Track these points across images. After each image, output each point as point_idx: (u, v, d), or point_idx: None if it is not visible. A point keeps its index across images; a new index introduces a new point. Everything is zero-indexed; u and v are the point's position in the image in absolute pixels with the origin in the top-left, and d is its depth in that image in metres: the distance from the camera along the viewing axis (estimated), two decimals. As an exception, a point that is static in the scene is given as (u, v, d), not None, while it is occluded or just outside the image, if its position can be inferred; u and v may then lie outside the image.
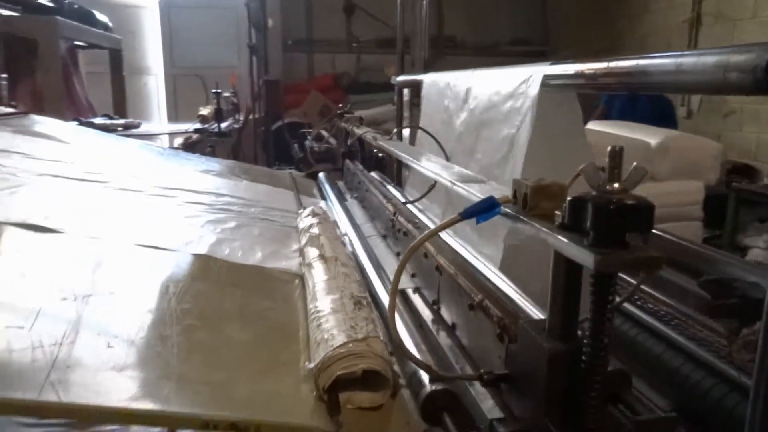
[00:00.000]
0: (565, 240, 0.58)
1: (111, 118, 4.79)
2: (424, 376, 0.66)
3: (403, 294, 1.06)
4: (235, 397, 0.63)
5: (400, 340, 0.68)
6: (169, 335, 0.76)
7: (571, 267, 0.62)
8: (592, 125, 4.19)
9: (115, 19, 7.98)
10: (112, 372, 0.66)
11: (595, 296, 0.58)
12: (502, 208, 0.71)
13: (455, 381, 0.70)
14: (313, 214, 1.42)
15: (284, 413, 0.59)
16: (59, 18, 3.78)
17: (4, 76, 3.40)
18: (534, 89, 1.10)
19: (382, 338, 0.71)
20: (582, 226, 0.58)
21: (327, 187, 2.34)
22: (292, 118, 7.46)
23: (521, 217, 0.68)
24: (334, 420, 0.58)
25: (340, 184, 2.64)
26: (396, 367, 0.69)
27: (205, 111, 4.79)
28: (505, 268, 1.00)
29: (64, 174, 1.26)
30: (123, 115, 5.08)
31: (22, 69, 3.67)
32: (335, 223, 1.53)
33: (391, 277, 1.01)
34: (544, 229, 0.63)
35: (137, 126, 4.56)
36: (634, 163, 0.58)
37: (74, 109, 4.68)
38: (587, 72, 0.92)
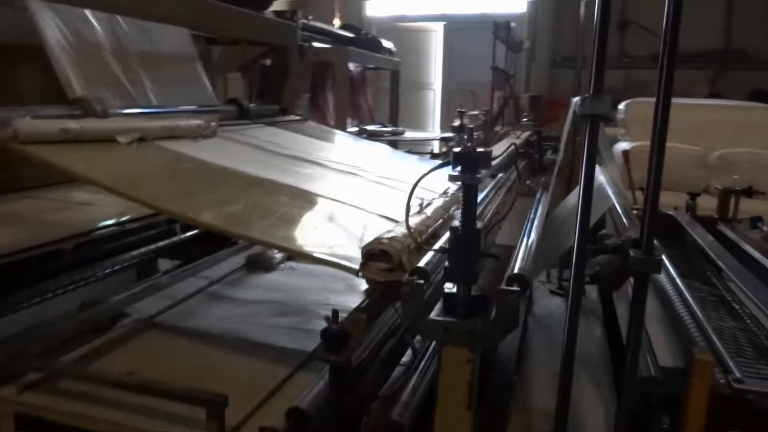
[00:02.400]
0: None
1: (384, 125, 5.86)
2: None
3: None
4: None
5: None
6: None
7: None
8: None
9: (405, 41, 9.36)
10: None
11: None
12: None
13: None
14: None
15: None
16: (350, 48, 4.90)
17: (307, 95, 4.65)
18: None
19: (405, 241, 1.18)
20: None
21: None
22: (548, 131, 7.82)
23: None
24: (360, 272, 1.12)
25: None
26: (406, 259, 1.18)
27: (456, 122, 5.53)
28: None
29: (311, 159, 2.01)
30: (395, 124, 6.13)
31: (318, 87, 4.89)
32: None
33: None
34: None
35: (401, 133, 5.51)
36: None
37: (358, 118, 5.88)
38: None
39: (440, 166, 1.02)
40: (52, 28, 1.84)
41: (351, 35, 5.54)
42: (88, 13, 1.92)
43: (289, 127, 2.50)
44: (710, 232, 2.24)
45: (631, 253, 0.92)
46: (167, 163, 1.55)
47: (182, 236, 2.40)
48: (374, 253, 1.13)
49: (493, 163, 1.20)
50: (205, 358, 1.60)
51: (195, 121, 1.87)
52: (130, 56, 2.08)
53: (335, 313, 1.11)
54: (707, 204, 2.62)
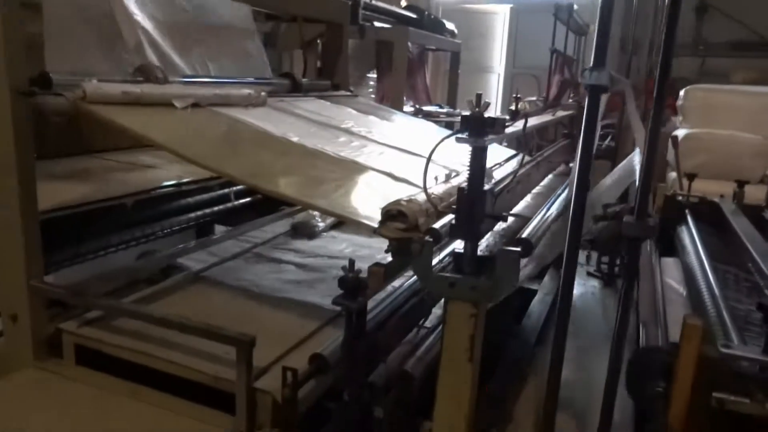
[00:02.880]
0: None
1: (440, 107, 5.89)
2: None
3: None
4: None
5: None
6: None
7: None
8: None
9: (471, 24, 9.28)
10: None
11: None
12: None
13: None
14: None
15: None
16: (410, 28, 4.94)
17: (372, 73, 4.74)
18: None
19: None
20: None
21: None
22: (605, 120, 7.62)
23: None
24: (377, 230, 1.20)
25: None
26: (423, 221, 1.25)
27: (512, 107, 5.49)
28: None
29: (351, 129, 2.10)
30: (453, 106, 6.14)
31: (382, 66, 4.97)
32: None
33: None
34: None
35: (457, 115, 5.53)
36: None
37: (415, 98, 5.93)
38: None
39: (453, 134, 1.09)
40: (123, 3, 2.01)
41: (413, 15, 5.57)
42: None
43: (337, 101, 2.61)
44: (754, 220, 2.19)
45: (625, 219, 0.96)
46: (216, 126, 1.68)
47: (236, 203, 2.57)
48: (393, 214, 1.21)
49: (508, 131, 1.23)
50: (244, 309, 1.73)
51: (246, 91, 1.99)
52: (191, 30, 2.23)
53: (351, 262, 1.21)
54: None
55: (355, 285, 1.19)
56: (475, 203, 1.06)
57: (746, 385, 0.95)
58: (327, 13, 2.78)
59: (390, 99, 4.95)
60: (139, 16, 1.95)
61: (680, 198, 2.40)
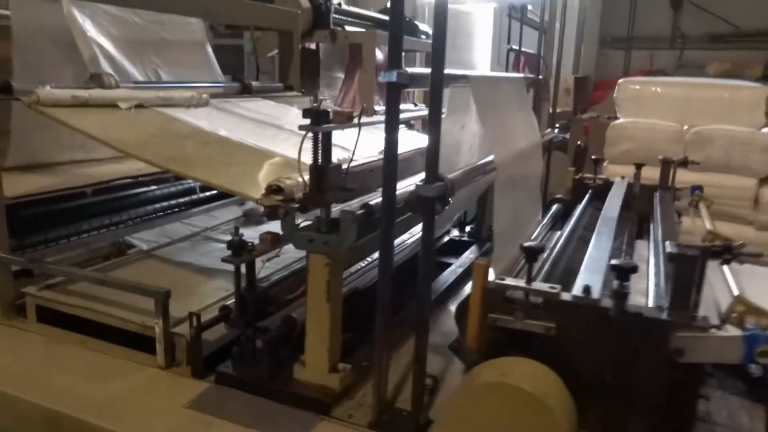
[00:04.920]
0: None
1: (416, 105, 6.18)
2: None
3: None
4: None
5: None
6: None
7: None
8: None
9: (457, 23, 9.56)
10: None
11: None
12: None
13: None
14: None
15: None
16: (378, 31, 5.24)
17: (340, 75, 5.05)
18: None
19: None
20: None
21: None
22: (590, 114, 7.87)
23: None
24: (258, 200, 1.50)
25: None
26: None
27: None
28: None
29: (279, 124, 2.40)
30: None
31: (350, 69, 5.28)
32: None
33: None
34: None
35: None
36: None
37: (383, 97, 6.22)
38: None
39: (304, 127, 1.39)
40: (80, 19, 2.33)
41: (386, 18, 5.86)
42: (110, 7, 2.40)
43: (285, 101, 2.92)
44: (645, 198, 2.49)
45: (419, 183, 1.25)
46: (152, 122, 1.99)
47: (201, 195, 2.89)
48: (274, 188, 1.52)
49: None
50: (182, 278, 2.06)
51: (188, 93, 2.31)
52: (145, 42, 2.56)
53: (236, 228, 1.52)
54: (683, 177, 2.80)
55: (239, 246, 1.50)
56: (320, 177, 1.36)
57: (512, 307, 1.25)
58: (277, 22, 3.10)
59: (362, 99, 5.25)
60: (93, 33, 2.27)
61: (587, 180, 2.69)
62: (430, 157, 1.25)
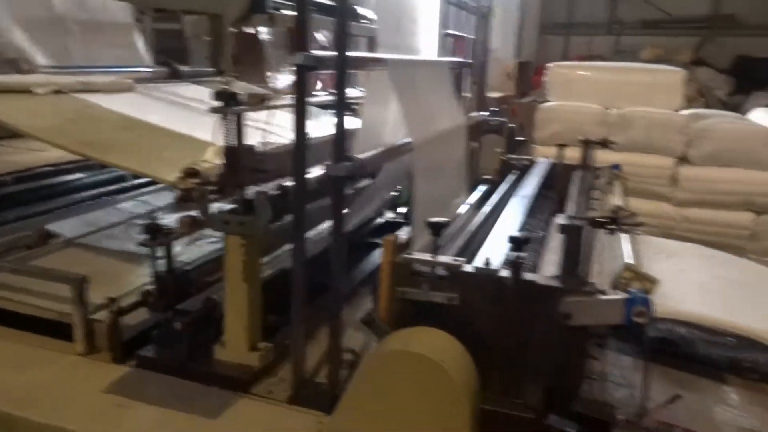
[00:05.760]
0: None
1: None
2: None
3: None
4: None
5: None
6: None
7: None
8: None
9: (402, 7, 9.58)
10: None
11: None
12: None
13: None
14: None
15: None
16: (315, 15, 5.22)
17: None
18: None
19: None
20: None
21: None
22: (531, 98, 8.06)
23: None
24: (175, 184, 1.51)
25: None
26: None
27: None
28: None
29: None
30: (371, 89, 6.45)
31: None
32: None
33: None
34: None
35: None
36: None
37: (330, 83, 6.21)
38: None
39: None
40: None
41: (326, 2, 5.83)
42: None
43: (214, 85, 2.89)
44: (567, 177, 2.60)
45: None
46: (69, 108, 1.95)
47: (134, 182, 2.84)
48: (190, 172, 1.53)
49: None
50: (104, 265, 2.04)
51: (110, 78, 2.27)
52: (65, 25, 2.49)
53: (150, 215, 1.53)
54: (609, 158, 2.93)
55: (153, 229, 1.51)
56: (233, 159, 1.38)
57: (419, 280, 1.31)
58: (206, 5, 3.05)
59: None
60: (6, 14, 2.20)
61: (514, 162, 2.78)
62: (338, 138, 1.29)
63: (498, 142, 5.00)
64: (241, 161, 1.40)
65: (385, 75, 1.71)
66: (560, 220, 1.22)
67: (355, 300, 2.01)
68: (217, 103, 1.38)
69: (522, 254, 1.25)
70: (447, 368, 1.15)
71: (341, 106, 1.28)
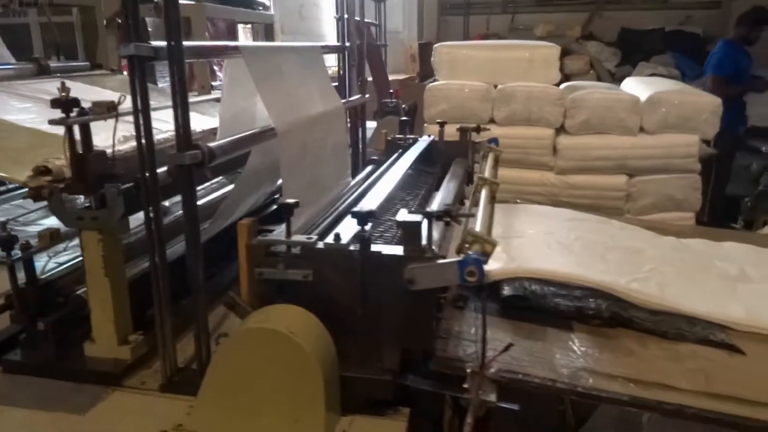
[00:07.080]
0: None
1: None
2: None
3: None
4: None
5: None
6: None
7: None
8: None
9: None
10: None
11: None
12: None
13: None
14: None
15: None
16: (207, 3, 5.10)
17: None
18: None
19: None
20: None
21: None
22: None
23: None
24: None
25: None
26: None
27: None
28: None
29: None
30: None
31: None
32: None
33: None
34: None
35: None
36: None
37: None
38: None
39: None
40: None
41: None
42: None
43: (91, 81, 2.79)
44: (446, 152, 2.74)
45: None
46: None
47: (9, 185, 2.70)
48: (42, 169, 1.49)
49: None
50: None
51: (-39, 77, 2.16)
52: None
53: (2, 224, 1.50)
54: (495, 132, 3.08)
55: (7, 241, 1.47)
56: (82, 166, 1.37)
57: (275, 260, 1.36)
58: (73, -4, 2.94)
59: (198, 76, 5.10)
60: None
61: (399, 141, 2.87)
62: (181, 127, 1.30)
63: (395, 123, 5.12)
64: (91, 169, 1.39)
65: (242, 63, 1.73)
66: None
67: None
68: (55, 114, 1.36)
69: (366, 228, 1.33)
70: (298, 340, 1.21)
71: (182, 96, 1.29)
